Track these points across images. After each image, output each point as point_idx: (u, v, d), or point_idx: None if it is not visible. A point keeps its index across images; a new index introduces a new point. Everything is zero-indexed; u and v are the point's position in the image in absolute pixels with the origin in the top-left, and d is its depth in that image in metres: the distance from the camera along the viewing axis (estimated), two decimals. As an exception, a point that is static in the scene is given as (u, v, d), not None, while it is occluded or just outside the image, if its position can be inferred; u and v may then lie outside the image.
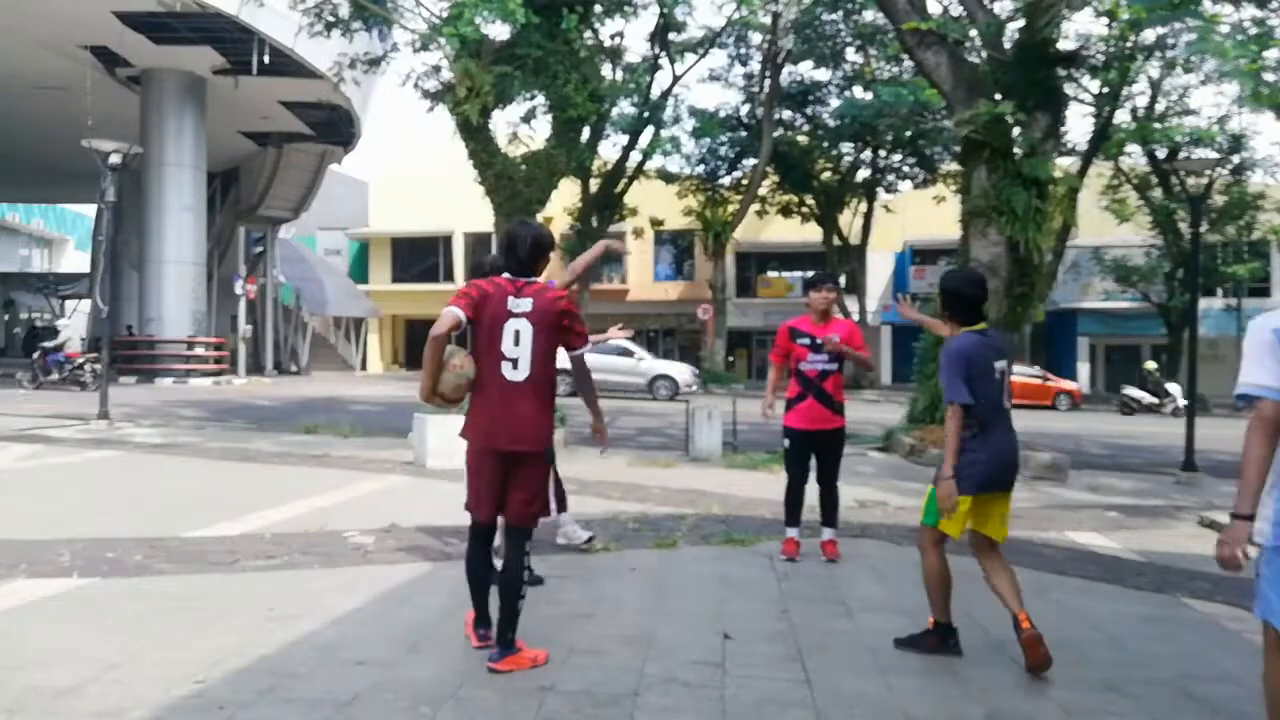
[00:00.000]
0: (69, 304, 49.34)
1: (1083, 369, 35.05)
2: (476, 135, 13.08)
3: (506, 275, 3.72)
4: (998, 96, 10.80)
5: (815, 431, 5.65)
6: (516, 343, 3.60)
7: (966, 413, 3.95)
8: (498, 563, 3.85)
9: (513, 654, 3.64)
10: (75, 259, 57.78)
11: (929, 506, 4.10)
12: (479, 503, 3.72)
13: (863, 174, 32.58)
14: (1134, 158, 28.52)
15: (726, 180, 33.20)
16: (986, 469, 3.97)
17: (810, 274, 6.15)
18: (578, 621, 4.31)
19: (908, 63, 20.93)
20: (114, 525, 6.22)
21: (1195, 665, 4.06)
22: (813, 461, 5.75)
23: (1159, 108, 26.09)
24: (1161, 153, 26.70)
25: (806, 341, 5.63)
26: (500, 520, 3.76)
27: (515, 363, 3.60)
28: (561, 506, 6.10)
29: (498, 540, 3.95)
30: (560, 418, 6.19)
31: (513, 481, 3.66)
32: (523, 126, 14.47)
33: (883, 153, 31.37)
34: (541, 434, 3.68)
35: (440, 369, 3.65)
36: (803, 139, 32.12)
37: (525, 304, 3.62)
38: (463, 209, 34.83)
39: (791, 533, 5.81)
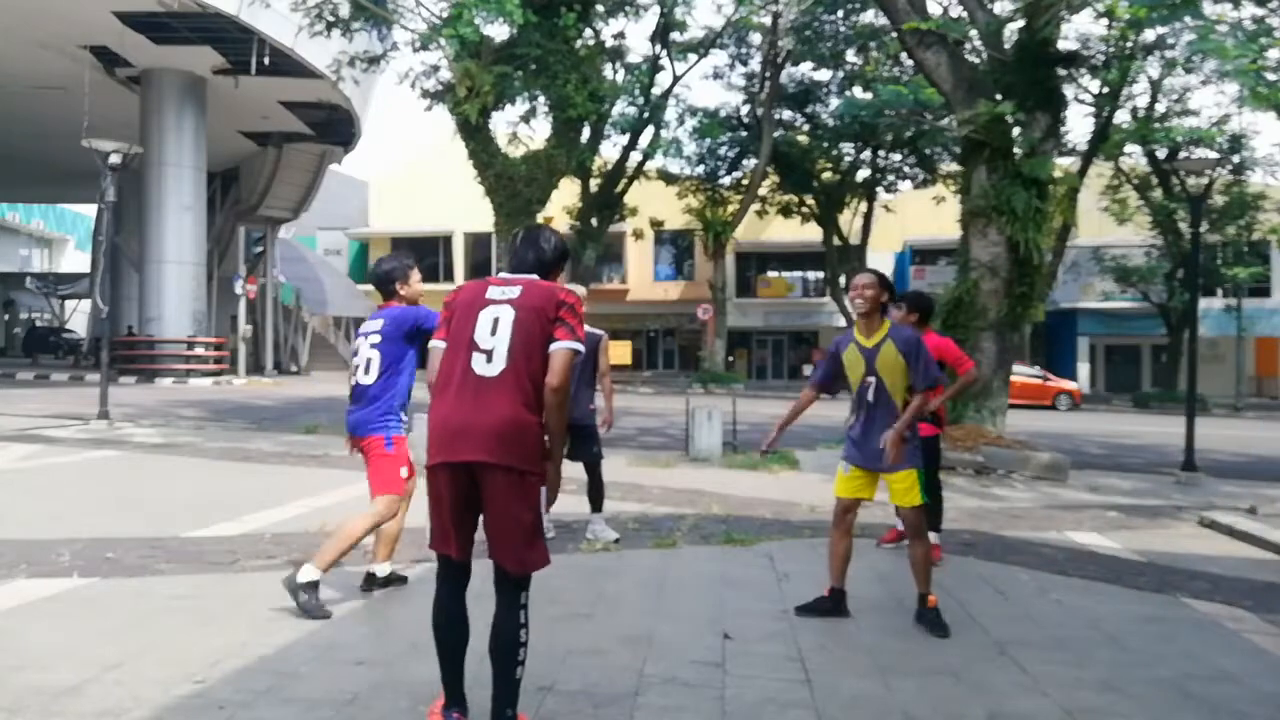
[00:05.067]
0: (69, 304, 49.42)
1: (1083, 369, 35.06)
2: (476, 135, 13.09)
3: (503, 274, 3.13)
4: (998, 96, 10.80)
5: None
6: (493, 331, 2.91)
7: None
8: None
9: None
10: (75, 259, 57.82)
11: (923, 485, 4.48)
12: (445, 536, 2.94)
13: (863, 174, 32.55)
14: (1134, 158, 28.54)
15: (726, 180, 33.20)
16: None
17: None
18: (578, 621, 4.31)
19: (908, 62, 20.93)
20: (114, 525, 6.22)
21: (1195, 665, 4.05)
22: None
23: (1159, 108, 26.09)
24: (1161, 153, 26.72)
25: None
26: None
27: (490, 354, 2.89)
28: (597, 507, 6.20)
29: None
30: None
31: (489, 510, 2.88)
32: (523, 126, 14.50)
33: (883, 153, 31.35)
34: (522, 442, 2.85)
35: None
36: (803, 139, 32.10)
37: (513, 291, 2.97)
38: (463, 209, 34.92)
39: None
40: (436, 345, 3.06)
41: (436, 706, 3.06)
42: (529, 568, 2.91)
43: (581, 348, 2.96)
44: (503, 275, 3.10)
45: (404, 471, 4.55)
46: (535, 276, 3.07)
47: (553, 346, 2.91)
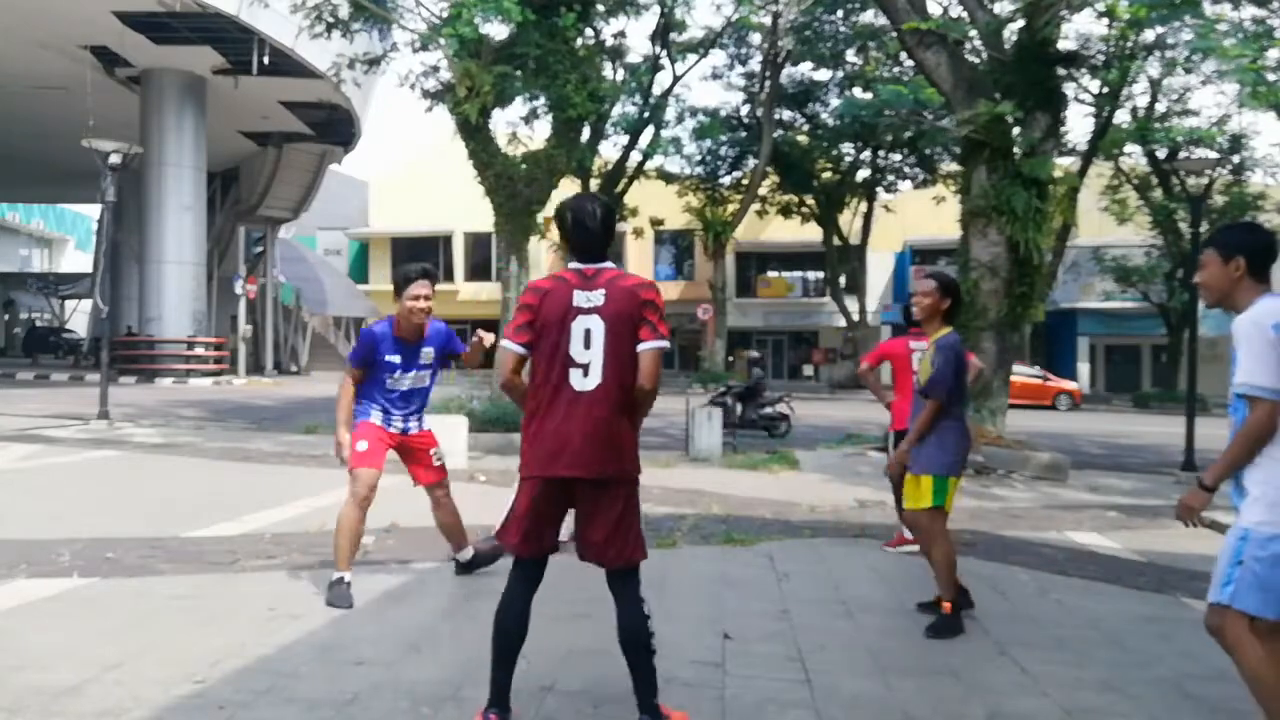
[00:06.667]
0: (69, 304, 49.45)
1: (1083, 369, 35.07)
2: (476, 135, 13.06)
3: (573, 266, 3.08)
4: (998, 96, 10.79)
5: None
6: (587, 345, 2.96)
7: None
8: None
9: None
10: (75, 259, 57.87)
11: (938, 491, 4.37)
12: (522, 536, 3.03)
13: (863, 174, 32.56)
14: (1134, 158, 28.51)
15: (726, 180, 33.22)
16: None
17: None
18: (578, 621, 4.30)
19: (908, 62, 20.92)
20: (114, 525, 6.22)
21: (1195, 665, 4.06)
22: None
23: (1159, 108, 26.08)
24: (1161, 153, 26.70)
25: None
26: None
27: (586, 369, 2.96)
28: None
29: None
30: None
31: (594, 517, 2.98)
32: (522, 126, 14.47)
33: (883, 153, 31.36)
34: (622, 453, 3.00)
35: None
36: (803, 139, 32.11)
37: (597, 296, 2.97)
38: (463, 209, 34.89)
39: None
40: (512, 348, 3.04)
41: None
42: (634, 561, 3.05)
43: (666, 344, 3.05)
44: (573, 268, 3.06)
45: (362, 446, 4.58)
46: (609, 265, 3.07)
47: (640, 348, 2.99)
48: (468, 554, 4.99)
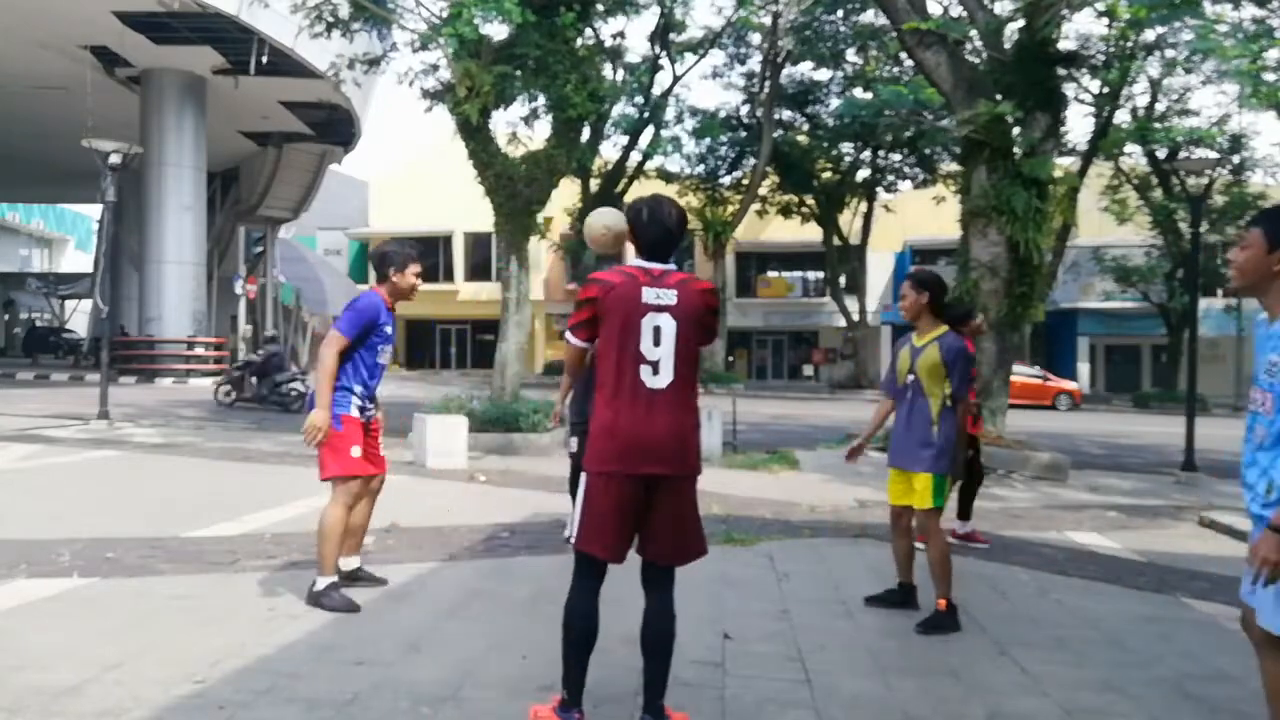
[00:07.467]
0: (69, 304, 49.44)
1: (1083, 369, 35.08)
2: (476, 135, 13.04)
3: (637, 263, 3.09)
4: (998, 96, 10.80)
5: None
6: (657, 342, 2.98)
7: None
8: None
9: None
10: (75, 259, 57.85)
11: (937, 490, 4.39)
12: (611, 541, 3.01)
13: (863, 174, 32.56)
14: (1134, 158, 28.53)
15: (726, 180, 33.22)
16: None
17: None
18: (578, 621, 4.30)
19: (908, 62, 20.93)
20: (114, 525, 6.22)
21: (1195, 665, 4.06)
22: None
23: (1159, 108, 26.09)
24: (1161, 153, 26.71)
25: None
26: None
27: (656, 366, 2.98)
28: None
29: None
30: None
31: (661, 513, 3.01)
32: (522, 126, 14.44)
33: (883, 153, 31.37)
34: (694, 451, 3.07)
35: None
36: (803, 139, 32.12)
37: (668, 295, 3.00)
38: (463, 209, 34.89)
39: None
40: (575, 343, 3.12)
41: (546, 709, 3.11)
42: (695, 558, 3.12)
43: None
44: (638, 266, 3.07)
45: (356, 452, 4.45)
46: (674, 266, 3.12)
47: (704, 351, 3.18)
48: (354, 562, 4.79)
